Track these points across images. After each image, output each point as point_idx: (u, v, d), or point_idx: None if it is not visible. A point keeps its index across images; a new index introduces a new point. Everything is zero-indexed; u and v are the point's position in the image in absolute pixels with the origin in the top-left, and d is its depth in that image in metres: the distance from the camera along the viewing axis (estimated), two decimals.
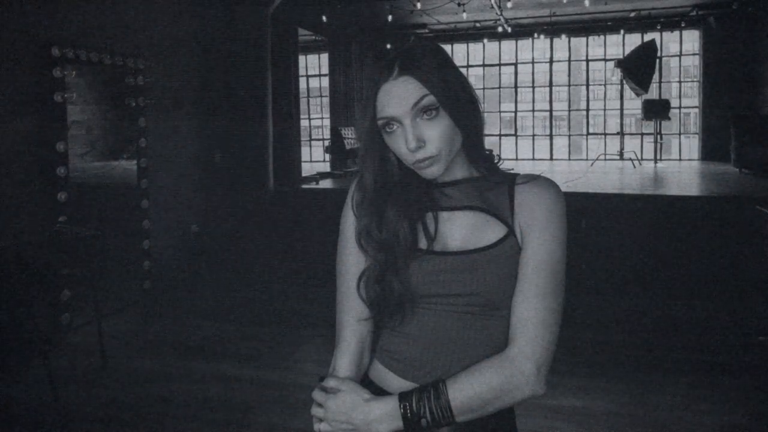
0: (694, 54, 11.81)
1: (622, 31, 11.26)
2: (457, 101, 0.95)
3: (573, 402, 3.01)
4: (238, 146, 6.33)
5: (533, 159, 12.36)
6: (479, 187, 1.01)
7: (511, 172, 1.04)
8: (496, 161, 1.05)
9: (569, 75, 12.55)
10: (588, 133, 13.25)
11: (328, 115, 10.71)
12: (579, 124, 16.96)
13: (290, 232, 6.58)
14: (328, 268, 1.22)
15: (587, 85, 12.44)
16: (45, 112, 4.09)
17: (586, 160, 12.22)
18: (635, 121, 19.24)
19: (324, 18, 8.87)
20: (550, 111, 12.81)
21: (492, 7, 9.26)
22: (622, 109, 11.42)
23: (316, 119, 15.11)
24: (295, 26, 8.44)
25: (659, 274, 5.32)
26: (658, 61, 10.53)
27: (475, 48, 12.89)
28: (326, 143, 10.11)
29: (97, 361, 3.61)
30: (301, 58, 11.14)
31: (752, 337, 3.82)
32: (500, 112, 16.12)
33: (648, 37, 10.85)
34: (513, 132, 12.63)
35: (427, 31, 11.38)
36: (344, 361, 1.03)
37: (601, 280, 5.20)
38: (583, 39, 12.03)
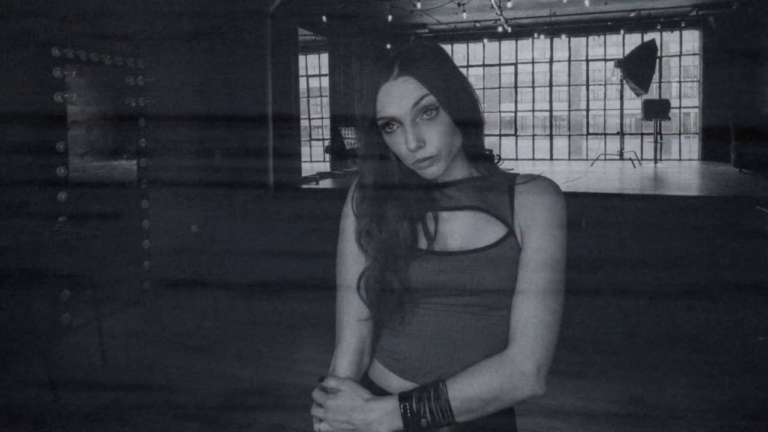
0: (694, 54, 11.82)
1: (622, 31, 11.26)
2: (457, 101, 0.95)
3: (573, 402, 3.01)
4: (238, 146, 6.33)
5: (533, 159, 12.36)
6: (479, 187, 1.01)
7: (511, 172, 1.04)
8: (496, 161, 1.05)
9: (569, 75, 12.55)
10: (588, 133, 13.25)
11: (328, 115, 10.71)
12: (579, 124, 16.96)
13: (290, 232, 6.57)
14: (328, 268, 1.22)
15: (587, 85, 12.44)
16: (45, 112, 4.09)
17: (586, 160, 12.22)
18: (635, 121, 19.24)
19: (324, 18, 8.87)
20: (550, 111, 12.81)
21: (492, 7, 9.26)
22: (622, 109, 11.43)
23: (316, 119, 15.11)
24: (295, 26, 8.44)
25: (659, 274, 5.32)
26: (658, 61, 10.54)
27: (475, 48, 12.90)
28: (326, 143, 10.11)
29: (97, 361, 3.61)
30: (301, 58, 11.14)
31: (752, 337, 3.82)
32: (500, 112, 16.12)
33: (648, 37, 10.85)
34: (513, 132, 12.63)
35: (427, 31, 11.38)
36: (344, 361, 1.03)
37: (601, 280, 5.20)
38: (583, 39, 12.03)
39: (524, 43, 12.38)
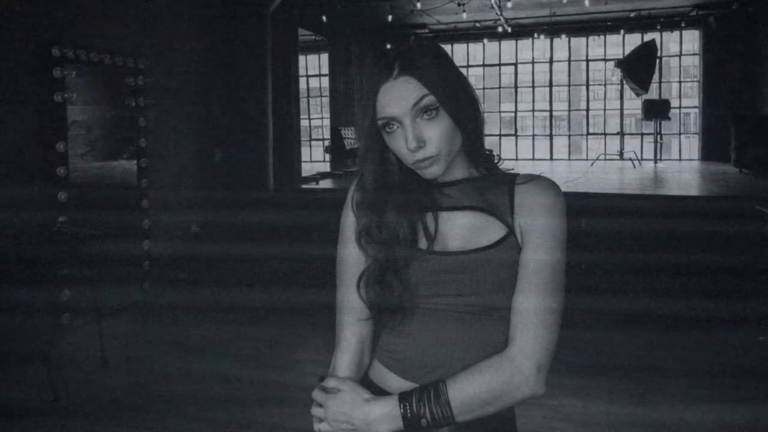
0: (694, 54, 11.82)
1: (622, 31, 11.26)
2: (457, 101, 0.95)
3: (573, 402, 3.01)
4: (238, 146, 6.33)
5: (533, 159, 12.36)
6: (479, 187, 1.01)
7: (511, 172, 1.04)
8: (496, 161, 1.05)
9: (569, 75, 12.55)
10: (588, 133, 13.25)
11: (328, 115, 10.71)
12: (579, 124, 16.96)
13: (290, 232, 6.57)
14: (328, 268, 1.22)
15: (587, 85, 12.44)
16: (45, 112, 4.09)
17: (586, 160, 12.22)
18: (635, 121, 19.24)
19: (324, 18, 8.87)
20: (550, 111, 12.81)
21: (492, 7, 9.26)
22: (622, 109, 11.43)
23: (316, 119, 15.11)
24: (295, 26, 8.44)
25: (659, 274, 5.32)
26: (658, 61, 10.53)
27: (475, 48, 12.89)
28: (326, 143, 10.11)
29: (97, 361, 3.61)
30: (301, 58, 11.14)
31: (752, 337, 3.82)
32: (500, 112, 16.12)
33: (648, 37, 10.85)
34: (513, 132, 12.63)
35: (427, 31, 11.38)
36: (344, 361, 1.03)
37: (601, 280, 5.20)
38: (583, 39, 12.03)
39: (524, 43, 12.38)
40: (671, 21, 10.65)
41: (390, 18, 9.51)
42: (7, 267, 3.52)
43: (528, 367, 0.91)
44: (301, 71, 10.96)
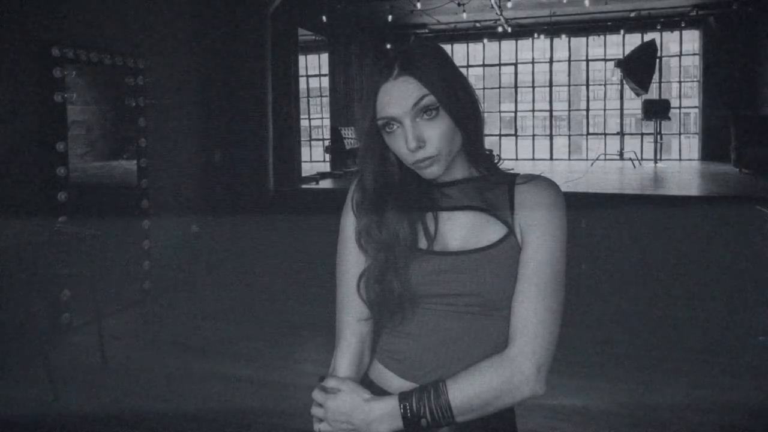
0: (694, 54, 11.82)
1: (622, 31, 11.26)
2: (457, 101, 0.95)
3: (573, 402, 3.01)
4: (238, 146, 6.33)
5: (533, 159, 12.36)
6: (479, 187, 1.01)
7: (511, 172, 1.04)
8: (496, 161, 1.05)
9: (569, 75, 12.55)
10: (588, 133, 13.25)
11: (328, 115, 10.71)
12: (579, 124, 16.96)
13: (290, 232, 6.57)
14: (328, 268, 1.22)
15: (587, 85, 12.44)
16: (45, 112, 4.09)
17: (586, 160, 12.22)
18: (635, 121, 19.24)
19: (324, 18, 8.87)
20: (550, 111, 12.81)
21: (492, 7, 9.26)
22: (622, 109, 11.42)
23: (316, 119, 15.11)
24: (295, 26, 8.44)
25: (660, 274, 5.32)
26: (658, 61, 10.53)
27: (475, 48, 12.89)
28: (326, 143, 10.11)
29: (97, 361, 3.61)
30: (301, 58, 11.14)
31: (752, 337, 3.82)
32: (500, 112, 16.12)
33: (648, 37, 10.85)
34: (513, 132, 12.63)
35: (427, 31, 11.38)
36: (344, 361, 1.03)
37: (601, 280, 5.20)
38: (583, 39, 12.03)
39: (524, 43, 12.38)
40: (671, 21, 10.66)
41: (390, 18, 9.52)
42: (7, 267, 3.53)
43: (528, 366, 0.91)
44: (301, 71, 10.95)
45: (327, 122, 11.33)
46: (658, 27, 10.94)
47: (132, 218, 4.92)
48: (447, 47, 11.21)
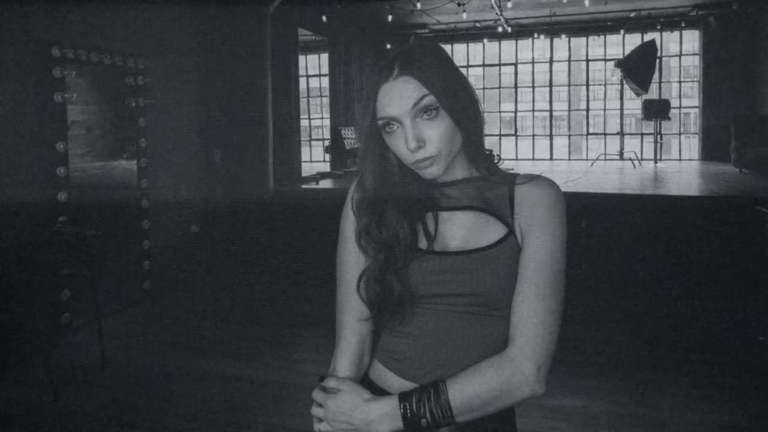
0: (694, 54, 11.81)
1: (622, 31, 11.26)
2: (457, 101, 0.95)
3: (573, 402, 3.01)
4: (238, 146, 6.33)
5: (533, 159, 12.36)
6: (479, 187, 1.01)
7: (511, 172, 1.04)
8: (496, 161, 1.05)
9: (569, 75, 12.55)
10: (588, 133, 13.24)
11: (328, 115, 10.70)
12: (579, 124, 16.95)
13: (290, 232, 6.57)
14: (328, 268, 1.22)
15: (587, 85, 12.44)
16: (45, 112, 4.09)
17: (586, 160, 12.21)
18: (635, 121, 19.23)
19: (324, 18, 8.87)
20: (550, 111, 12.80)
21: (492, 7, 9.26)
22: (622, 109, 11.42)
23: (316, 119, 15.10)
24: (295, 26, 8.44)
25: (660, 274, 5.32)
26: (658, 61, 10.53)
27: (475, 48, 12.89)
28: (326, 143, 10.10)
29: (97, 361, 3.61)
30: (301, 58, 11.13)
31: (752, 337, 3.82)
32: (500, 112, 16.11)
33: (648, 37, 10.85)
34: (513, 132, 12.63)
35: (427, 31, 11.38)
36: (344, 361, 1.03)
37: (601, 280, 5.20)
38: (583, 39, 12.02)
39: (524, 43, 12.37)
40: (671, 21, 10.65)
41: (390, 18, 9.51)
42: (7, 267, 3.53)
43: (528, 366, 0.91)
44: (301, 71, 10.95)
45: (327, 122, 11.33)
46: (658, 27, 10.93)
47: (132, 218, 4.92)
48: (447, 47, 11.21)
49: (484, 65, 12.94)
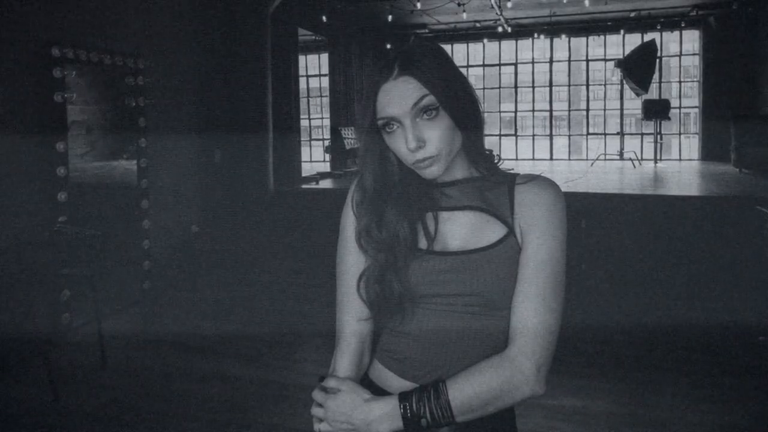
0: (694, 54, 11.82)
1: (622, 31, 11.26)
2: (457, 101, 0.95)
3: (573, 402, 3.01)
4: (238, 146, 6.33)
5: (533, 159, 12.36)
6: (479, 187, 1.01)
7: (511, 172, 1.04)
8: (496, 161, 1.05)
9: (569, 75, 12.55)
10: (588, 133, 13.25)
11: (328, 115, 10.70)
12: (579, 124, 16.96)
13: (290, 232, 6.57)
14: (328, 268, 1.22)
15: (587, 85, 12.44)
16: (45, 112, 4.09)
17: (586, 160, 12.22)
18: (635, 121, 19.24)
19: (324, 18, 8.87)
20: (550, 111, 12.81)
21: (492, 7, 9.26)
22: (622, 109, 11.42)
23: (316, 119, 15.11)
24: (295, 26, 8.44)
25: (659, 274, 5.32)
26: (658, 61, 10.53)
27: (475, 48, 12.89)
28: (326, 143, 10.11)
29: (97, 361, 3.61)
30: (301, 58, 11.14)
31: (752, 337, 3.82)
32: (500, 112, 16.12)
33: (648, 37, 10.85)
34: (513, 132, 12.63)
35: (427, 31, 11.38)
36: (344, 361, 1.03)
37: (601, 280, 5.20)
38: (583, 39, 12.03)
39: (524, 43, 12.38)
40: (671, 21, 10.65)
41: (390, 18, 9.51)
42: (7, 267, 3.53)
43: (528, 367, 0.91)
44: (301, 71, 10.96)
45: (327, 122, 11.34)
46: (658, 27, 10.94)
47: (132, 218, 4.92)
48: (447, 47, 11.21)
49: (484, 65, 12.94)
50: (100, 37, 4.61)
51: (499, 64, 13.01)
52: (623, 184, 7.55)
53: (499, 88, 14.45)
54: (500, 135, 13.79)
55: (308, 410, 0.98)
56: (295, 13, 8.15)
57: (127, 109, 4.88)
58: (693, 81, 13.13)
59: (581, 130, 14.88)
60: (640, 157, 10.85)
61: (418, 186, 1.02)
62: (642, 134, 12.14)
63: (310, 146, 13.50)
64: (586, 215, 5.46)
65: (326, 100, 10.97)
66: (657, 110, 9.91)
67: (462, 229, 0.99)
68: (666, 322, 4.23)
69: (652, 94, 10.93)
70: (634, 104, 14.28)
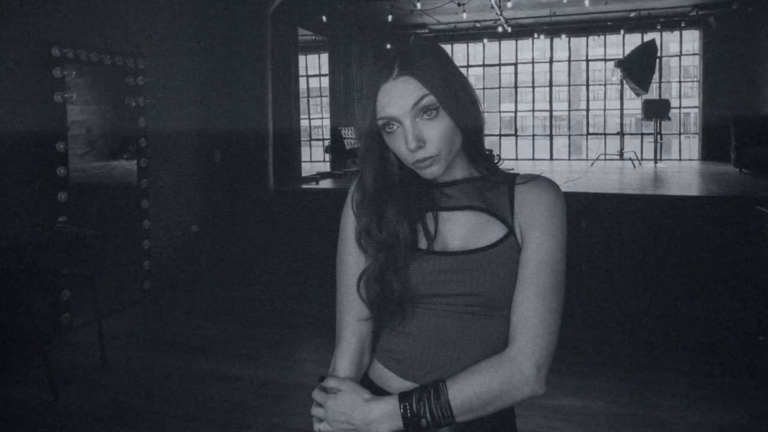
0: (694, 54, 11.82)
1: (622, 31, 11.26)
2: (457, 101, 0.95)
3: (573, 402, 3.01)
4: (238, 146, 6.33)
5: (533, 159, 12.36)
6: (479, 187, 1.01)
7: (511, 172, 1.04)
8: (496, 161, 1.05)
9: (569, 75, 12.55)
10: (588, 133, 13.25)
11: (328, 115, 10.71)
12: (579, 124, 16.95)
13: (290, 232, 6.57)
14: (328, 268, 1.22)
15: (587, 85, 12.44)
16: (45, 112, 4.09)
17: (586, 160, 12.21)
18: (635, 121, 19.24)
19: (324, 18, 8.87)
20: (550, 111, 12.81)
21: (492, 7, 9.26)
22: (622, 109, 11.42)
23: (316, 119, 15.11)
24: (295, 26, 8.44)
25: (659, 274, 5.32)
26: (658, 61, 10.53)
27: (475, 48, 12.89)
28: (326, 143, 10.10)
29: (97, 361, 3.61)
30: (301, 58, 11.13)
31: (752, 337, 3.82)
32: (500, 112, 16.12)
33: (648, 37, 10.85)
34: (513, 132, 12.63)
35: (427, 31, 11.38)
36: (344, 361, 1.03)
37: (601, 280, 5.20)
38: (583, 39, 12.03)
39: (524, 43, 12.38)
40: (671, 21, 10.65)
41: (390, 18, 9.51)
42: (7, 267, 3.53)
43: (528, 367, 0.91)
44: (301, 71, 10.95)
45: (327, 122, 11.34)
46: (658, 27, 10.93)
47: (132, 218, 4.92)
48: (447, 47, 11.21)
49: (484, 65, 12.94)
50: (100, 37, 4.62)
51: (499, 64, 13.01)
52: (623, 184, 7.55)
53: (499, 88, 14.45)
54: (500, 135, 13.79)
55: (308, 410, 0.98)
56: (295, 13, 8.15)
57: (127, 109, 4.88)
58: (693, 81, 13.12)
59: (581, 130, 14.88)
60: (640, 157, 10.85)
61: (418, 186, 1.02)
62: (642, 134, 12.13)
63: (310, 146, 13.50)
64: (586, 215, 5.46)
65: (326, 100, 10.97)
66: (657, 110, 9.91)
67: (462, 229, 0.99)
68: (666, 322, 4.23)
69: (652, 94, 10.93)
70: (634, 104, 14.27)
